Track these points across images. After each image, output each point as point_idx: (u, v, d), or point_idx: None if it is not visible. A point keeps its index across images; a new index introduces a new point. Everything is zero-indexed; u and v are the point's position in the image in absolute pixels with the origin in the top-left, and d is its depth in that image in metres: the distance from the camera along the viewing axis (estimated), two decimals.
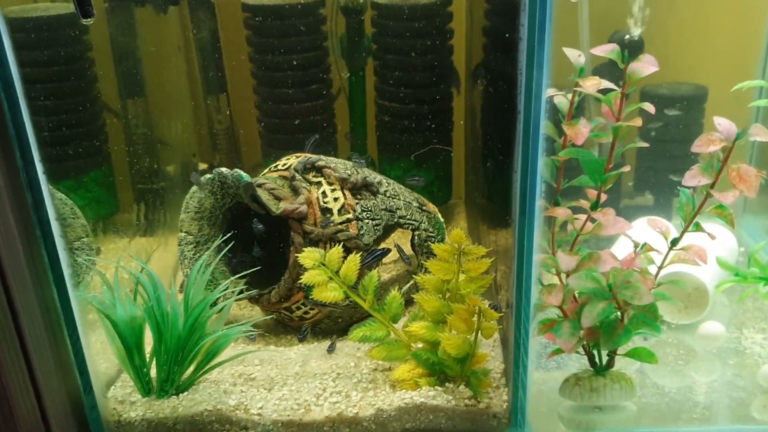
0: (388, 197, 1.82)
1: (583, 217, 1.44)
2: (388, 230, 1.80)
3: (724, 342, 1.72)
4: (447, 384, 1.52)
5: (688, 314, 1.78)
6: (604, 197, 1.43)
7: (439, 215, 1.96)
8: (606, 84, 1.35)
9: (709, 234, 1.40)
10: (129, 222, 2.14)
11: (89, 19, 1.22)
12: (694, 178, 1.34)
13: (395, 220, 1.80)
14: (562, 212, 1.43)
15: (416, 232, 1.86)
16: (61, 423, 1.45)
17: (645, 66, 1.34)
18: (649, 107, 1.37)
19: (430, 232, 1.88)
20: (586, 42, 1.95)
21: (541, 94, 1.23)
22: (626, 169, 1.42)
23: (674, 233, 1.46)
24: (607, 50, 1.34)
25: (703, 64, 2.14)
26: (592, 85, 1.33)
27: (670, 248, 1.45)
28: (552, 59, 1.23)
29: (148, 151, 2.14)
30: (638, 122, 1.34)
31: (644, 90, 2.06)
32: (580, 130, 1.36)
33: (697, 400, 1.57)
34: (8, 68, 1.25)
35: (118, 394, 1.56)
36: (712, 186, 1.35)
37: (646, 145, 1.39)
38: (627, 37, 1.95)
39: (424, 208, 1.91)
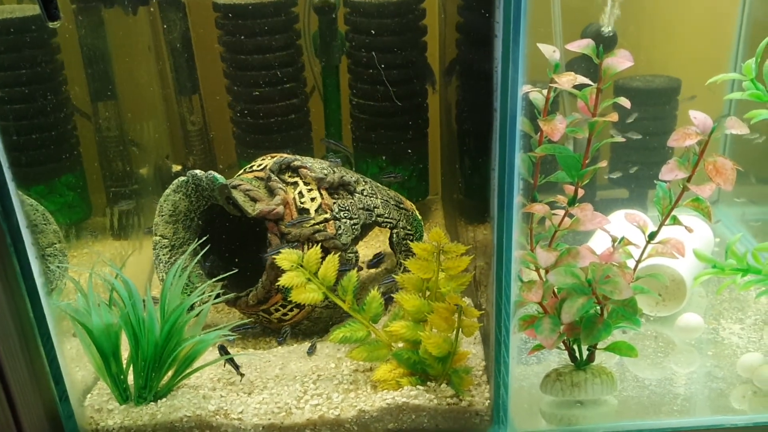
0: (366, 196, 1.81)
1: (561, 212, 1.45)
2: (366, 229, 1.80)
3: (703, 333, 1.73)
4: (429, 383, 1.52)
5: (666, 306, 1.79)
6: (581, 192, 1.43)
7: (417, 213, 1.97)
8: (582, 79, 1.35)
9: (686, 227, 1.41)
10: (102, 225, 2.11)
11: (56, 22, 1.20)
12: (671, 172, 1.34)
13: (373, 219, 1.80)
14: (540, 208, 1.43)
15: (394, 231, 1.86)
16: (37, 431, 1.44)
17: (620, 61, 1.34)
18: (625, 102, 1.38)
19: (408, 230, 1.88)
20: (559, 36, 1.95)
21: (517, 91, 1.23)
22: (603, 164, 1.42)
23: (650, 225, 1.47)
24: (582, 46, 1.34)
25: (676, 55, 2.16)
26: (567, 80, 1.33)
27: (648, 242, 1.45)
28: (526, 54, 1.24)
29: (121, 153, 2.12)
30: (614, 117, 1.35)
31: (618, 83, 2.07)
32: (556, 126, 1.36)
33: (677, 392, 1.58)
34: None
35: (95, 402, 1.54)
36: (688, 179, 1.35)
37: (622, 139, 1.39)
38: (600, 30, 1.96)
39: (401, 205, 1.90)
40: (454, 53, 1.84)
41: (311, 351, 1.67)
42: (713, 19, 2.18)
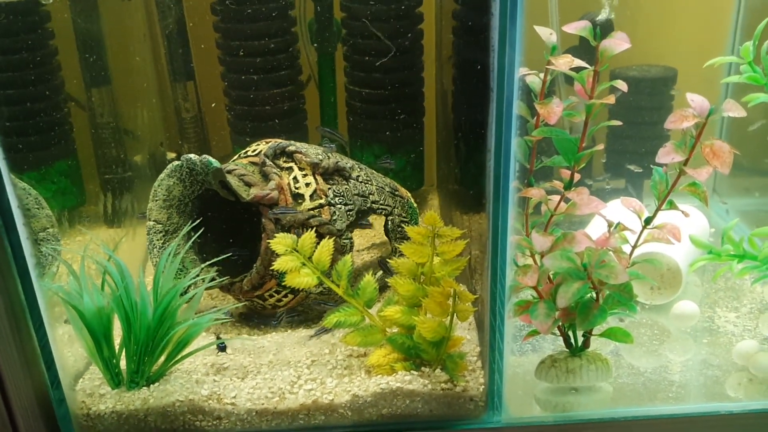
0: (361, 182, 1.81)
1: (557, 197, 1.45)
2: (361, 215, 1.80)
3: (698, 321, 1.75)
4: (423, 368, 1.53)
5: (662, 294, 1.81)
6: (577, 177, 1.43)
7: (412, 200, 1.98)
8: (578, 62, 1.35)
9: (683, 212, 1.41)
10: (96, 213, 2.13)
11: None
12: (668, 155, 1.34)
13: (368, 206, 1.81)
14: (536, 192, 1.43)
15: (389, 217, 1.87)
16: (28, 418, 1.45)
17: (617, 43, 1.34)
18: (622, 85, 1.38)
19: (404, 217, 1.89)
20: (556, 24, 1.96)
21: (513, 73, 1.24)
22: (600, 147, 1.42)
23: (646, 213, 1.47)
24: (579, 27, 1.34)
25: (672, 45, 2.18)
26: (564, 62, 1.33)
27: (644, 227, 1.46)
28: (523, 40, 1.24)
29: (115, 140, 2.13)
30: (611, 99, 1.35)
31: (614, 72, 2.09)
32: (553, 109, 1.36)
33: (672, 380, 1.59)
34: None
35: (87, 386, 1.54)
36: (685, 163, 1.36)
37: (619, 123, 1.39)
38: (597, 18, 1.97)
39: (396, 193, 1.92)
40: (450, 40, 1.84)
41: (320, 332, 1.66)
42: (710, 9, 2.20)
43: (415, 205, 1.98)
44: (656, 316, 1.78)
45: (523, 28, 1.23)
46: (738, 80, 1.41)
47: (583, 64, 1.36)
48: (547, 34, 1.35)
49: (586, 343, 1.55)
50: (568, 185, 1.42)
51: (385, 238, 1.99)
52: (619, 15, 2.01)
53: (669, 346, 1.70)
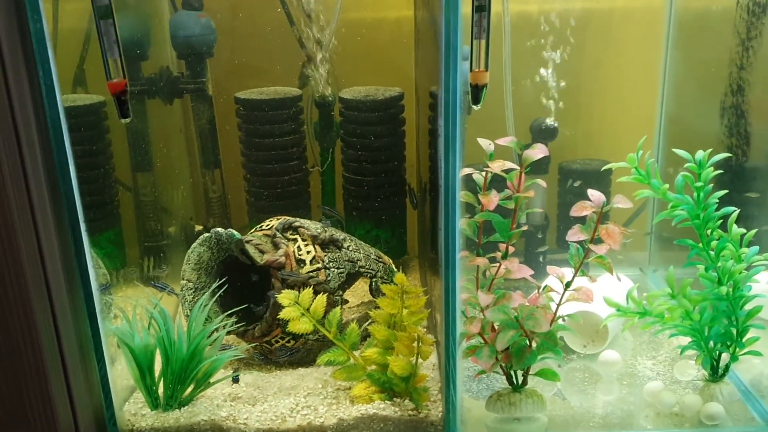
0: (351, 251, 2.15)
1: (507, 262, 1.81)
2: (351, 278, 2.13)
3: (622, 367, 2.03)
4: (395, 398, 1.77)
5: (594, 346, 2.11)
6: (512, 249, 1.80)
7: (393, 266, 2.28)
8: (509, 164, 1.76)
9: (590, 277, 1.79)
10: (135, 274, 2.39)
11: (127, 120, 1.60)
12: (575, 235, 1.72)
13: (356, 269, 2.12)
14: (481, 261, 1.79)
15: (374, 279, 2.18)
16: (88, 430, 1.73)
17: (536, 152, 1.74)
18: (542, 182, 1.79)
19: (385, 279, 2.21)
20: (512, 128, 2.37)
21: (456, 174, 1.61)
22: (524, 228, 1.82)
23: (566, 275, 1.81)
24: (507, 141, 1.76)
25: (609, 142, 2.53)
26: (497, 165, 1.75)
27: (565, 289, 1.79)
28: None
29: (153, 215, 2.36)
30: (531, 193, 1.75)
31: (562, 165, 2.42)
32: (492, 199, 1.76)
33: (595, 413, 1.85)
34: (65, 149, 1.58)
35: (132, 408, 1.80)
36: (590, 241, 1.75)
37: (540, 209, 1.80)
38: (544, 124, 2.37)
39: (380, 259, 2.25)
40: (427, 140, 2.23)
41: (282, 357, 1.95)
42: (639, 113, 2.55)
43: (396, 269, 2.24)
44: (590, 363, 2.06)
45: (465, 139, 1.61)
46: (626, 180, 1.82)
47: (513, 165, 1.78)
48: (486, 144, 1.77)
49: (524, 381, 1.85)
50: (504, 255, 1.82)
51: (371, 297, 2.28)
52: (564, 119, 2.41)
53: (597, 387, 1.97)
